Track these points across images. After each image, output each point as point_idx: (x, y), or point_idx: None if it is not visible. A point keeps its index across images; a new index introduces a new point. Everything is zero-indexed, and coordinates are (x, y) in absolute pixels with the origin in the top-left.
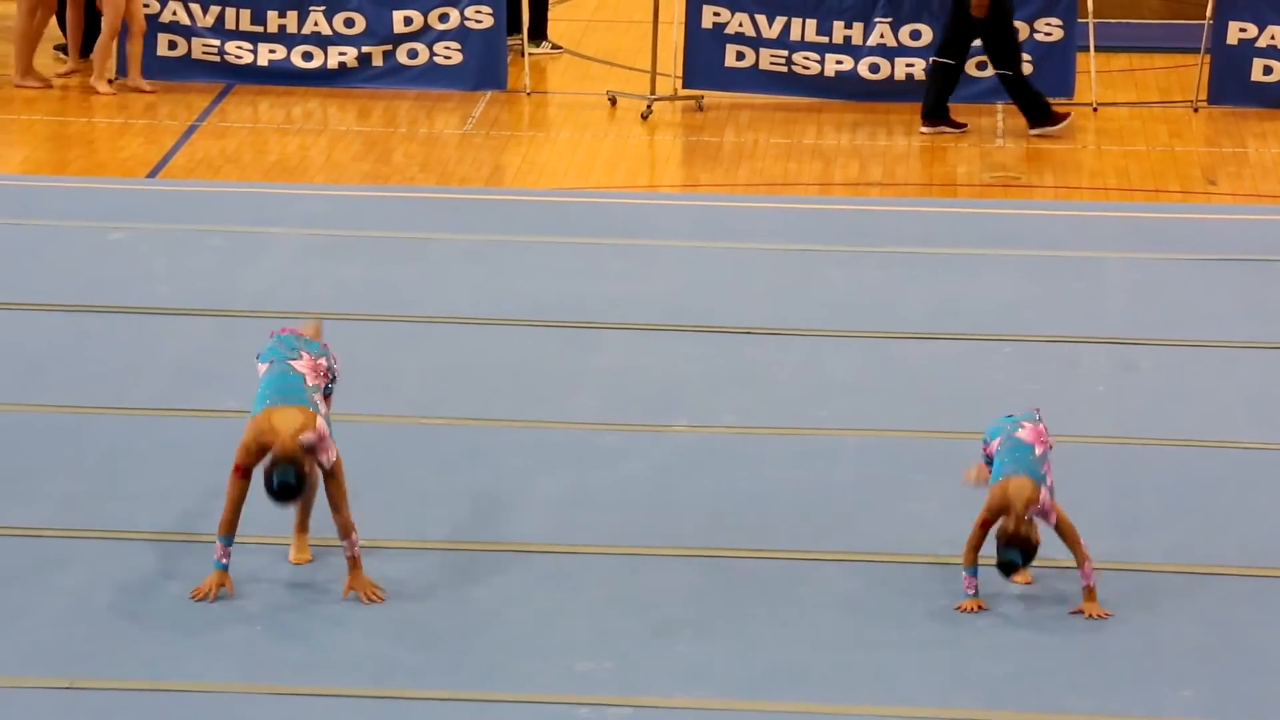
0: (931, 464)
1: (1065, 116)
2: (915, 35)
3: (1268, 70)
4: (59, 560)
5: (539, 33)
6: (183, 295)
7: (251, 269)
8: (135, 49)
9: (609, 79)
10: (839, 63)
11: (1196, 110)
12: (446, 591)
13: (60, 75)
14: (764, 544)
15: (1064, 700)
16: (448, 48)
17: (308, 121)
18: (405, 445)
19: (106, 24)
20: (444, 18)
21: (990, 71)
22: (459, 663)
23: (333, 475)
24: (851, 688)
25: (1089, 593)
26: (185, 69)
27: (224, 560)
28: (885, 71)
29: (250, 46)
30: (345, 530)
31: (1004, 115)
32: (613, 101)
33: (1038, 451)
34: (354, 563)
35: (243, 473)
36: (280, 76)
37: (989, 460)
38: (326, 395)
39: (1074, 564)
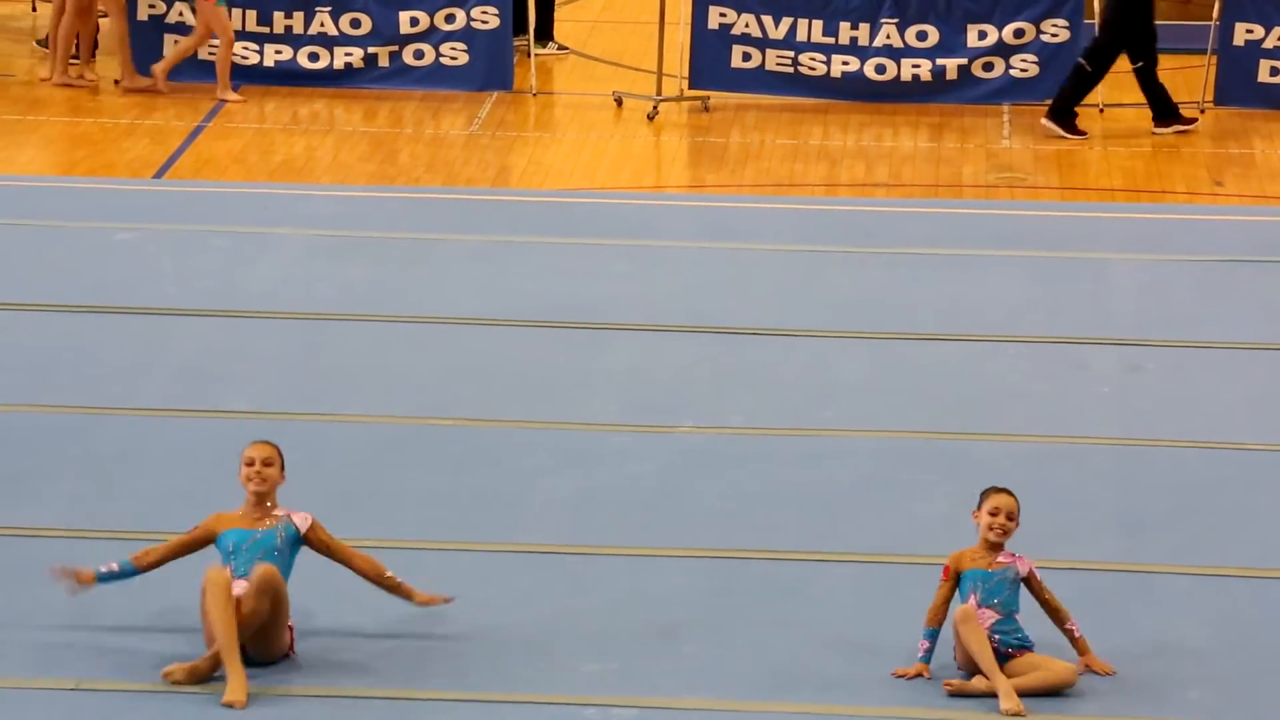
0: (939, 465)
1: (1193, 120)
2: (921, 36)
3: (1274, 71)
4: (65, 561)
5: (545, 33)
6: (189, 295)
7: (257, 269)
8: (226, 58)
9: (615, 80)
10: (845, 64)
11: (1203, 111)
12: (454, 592)
13: (76, 79)
14: (771, 545)
15: (1070, 703)
16: (454, 48)
17: (314, 122)
18: (412, 446)
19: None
20: (450, 18)
21: (995, 73)
22: (466, 663)
23: (319, 538)
24: (859, 690)
25: (1084, 644)
26: (192, 70)
27: (105, 570)
28: (891, 72)
29: (256, 47)
30: (376, 570)
31: (1010, 116)
32: (619, 102)
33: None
34: (407, 589)
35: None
36: (286, 77)
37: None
38: None
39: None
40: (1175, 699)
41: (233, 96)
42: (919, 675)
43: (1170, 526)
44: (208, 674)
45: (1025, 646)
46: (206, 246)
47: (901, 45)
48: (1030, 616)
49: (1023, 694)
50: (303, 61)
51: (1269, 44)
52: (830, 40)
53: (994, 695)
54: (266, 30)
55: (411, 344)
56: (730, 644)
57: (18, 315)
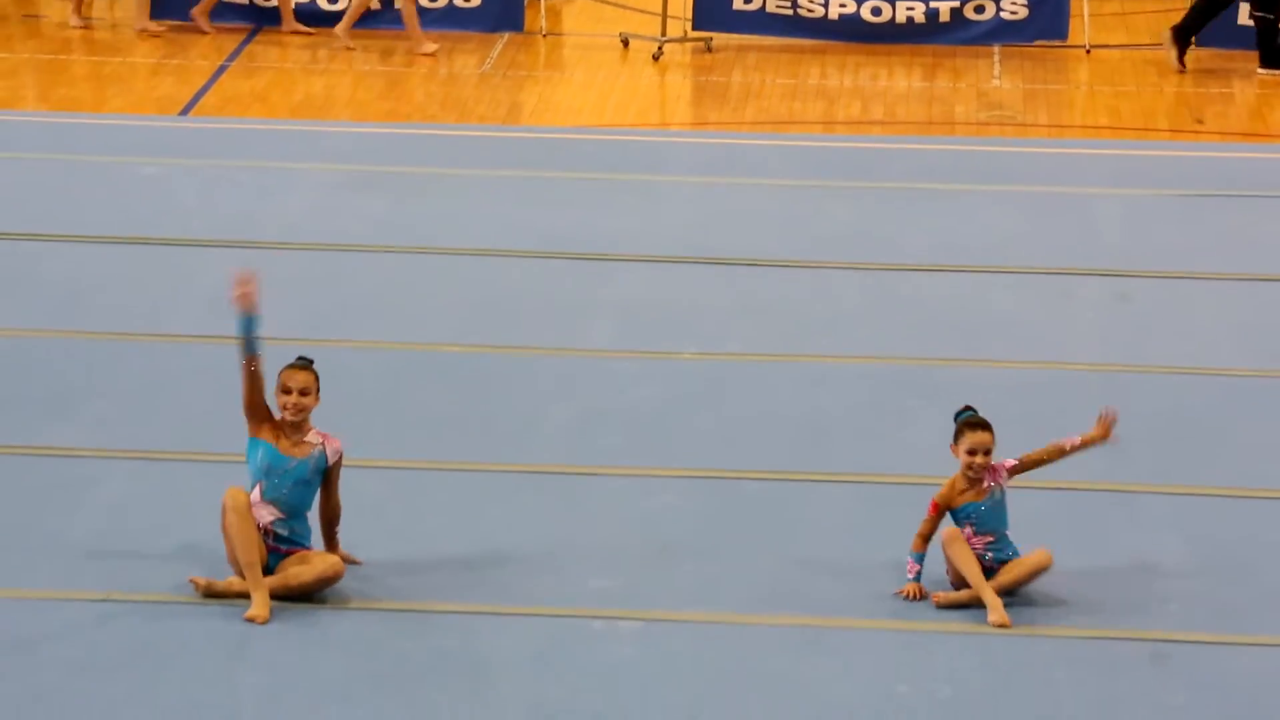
0: (930, 390)
1: None
2: None
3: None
4: (95, 479)
5: None
6: (214, 227)
7: (279, 203)
8: (412, 13)
9: (621, 21)
10: (842, 6)
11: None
12: (463, 511)
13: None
14: (768, 467)
15: (1053, 614)
16: None
17: (333, 62)
18: (423, 371)
19: None
20: None
21: (986, 15)
22: (476, 578)
23: (334, 467)
24: (851, 604)
25: (1086, 437)
26: (216, 11)
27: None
28: (887, 15)
29: None
30: (334, 516)
31: (1000, 57)
32: (625, 43)
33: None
34: (336, 544)
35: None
36: (307, 19)
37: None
38: None
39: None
40: (1155, 613)
41: (429, 48)
42: (917, 594)
43: (1152, 448)
44: (230, 595)
45: (1014, 558)
46: (230, 181)
47: None
48: (1018, 528)
49: (1006, 590)
50: (323, 3)
51: None
52: None
53: (982, 605)
54: None
55: (425, 274)
56: (728, 561)
57: (51, 246)
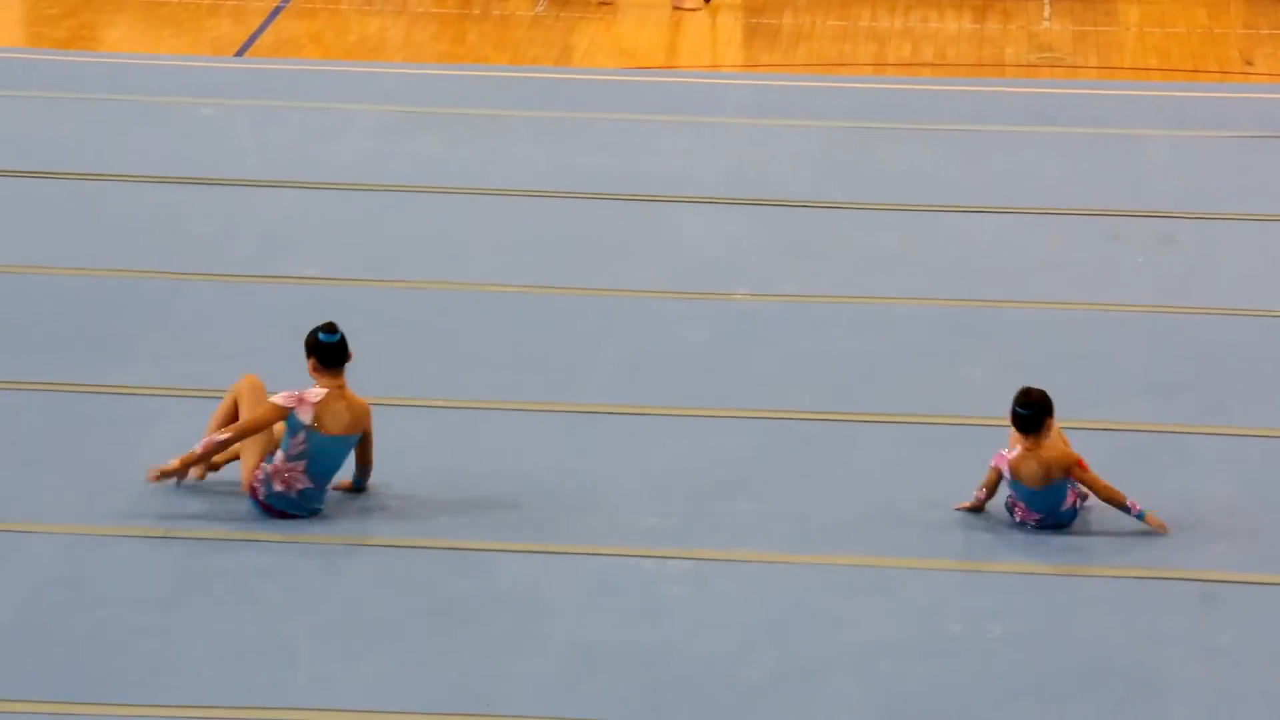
0: (979, 331)
1: None
2: None
3: None
4: (150, 417)
5: None
6: (269, 168)
7: (333, 143)
8: None
9: None
10: None
11: None
12: (514, 451)
13: None
14: (819, 407)
15: (1102, 555)
16: None
17: (387, 4)
18: (474, 311)
19: None
20: None
21: None
22: (528, 517)
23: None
24: (902, 543)
25: (1147, 516)
26: None
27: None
28: None
29: None
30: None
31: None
32: None
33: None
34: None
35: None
36: None
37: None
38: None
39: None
40: (1203, 553)
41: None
42: (976, 507)
43: (1200, 389)
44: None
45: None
46: (285, 121)
47: None
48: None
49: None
50: None
51: None
52: None
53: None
54: None
55: (477, 215)
56: (780, 501)
57: (108, 186)
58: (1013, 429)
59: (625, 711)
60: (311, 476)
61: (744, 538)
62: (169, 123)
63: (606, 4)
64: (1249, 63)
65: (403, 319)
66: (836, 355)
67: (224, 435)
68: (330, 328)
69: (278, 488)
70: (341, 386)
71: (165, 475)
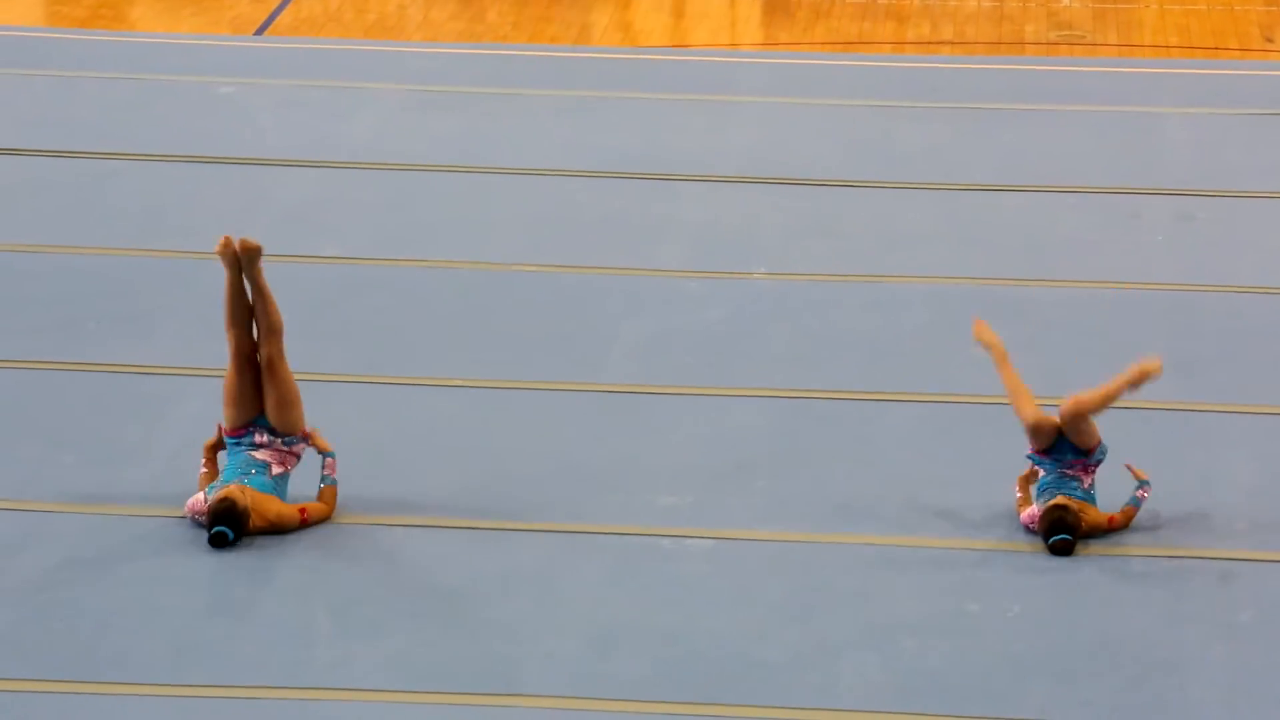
0: (999, 310)
1: None
2: None
3: None
4: (173, 396)
5: None
6: (288, 147)
7: (353, 123)
8: None
9: None
10: None
11: None
12: (534, 430)
13: None
14: (839, 386)
15: (1121, 534)
16: None
17: None
18: (494, 291)
19: None
20: None
21: None
22: (547, 497)
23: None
24: (921, 522)
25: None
26: None
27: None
28: None
29: None
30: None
31: None
32: None
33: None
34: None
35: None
36: None
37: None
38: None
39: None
40: (1222, 532)
41: None
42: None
43: (1220, 368)
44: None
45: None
46: (305, 100)
47: None
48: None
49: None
50: None
51: None
52: None
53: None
54: None
55: (496, 194)
56: (798, 479)
57: (130, 165)
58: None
59: (645, 690)
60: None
61: (763, 516)
62: (189, 102)
63: None
64: (1269, 40)
65: (421, 298)
66: (856, 334)
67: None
68: (223, 535)
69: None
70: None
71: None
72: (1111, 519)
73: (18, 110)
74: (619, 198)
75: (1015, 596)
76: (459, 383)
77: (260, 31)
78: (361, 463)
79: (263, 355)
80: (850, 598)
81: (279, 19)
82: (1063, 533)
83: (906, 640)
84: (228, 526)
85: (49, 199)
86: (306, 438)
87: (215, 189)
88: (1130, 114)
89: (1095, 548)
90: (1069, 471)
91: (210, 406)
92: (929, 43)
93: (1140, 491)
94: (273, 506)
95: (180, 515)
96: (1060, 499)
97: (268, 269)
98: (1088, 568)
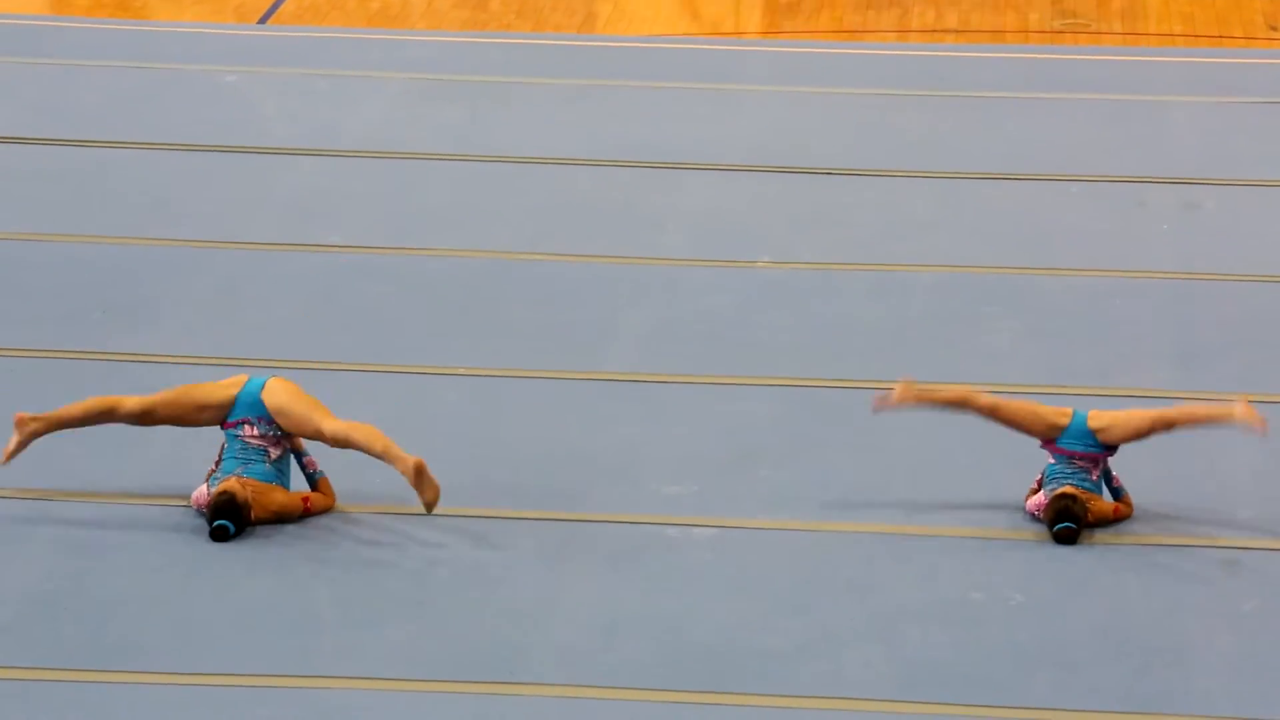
0: (1003, 298)
1: None
2: None
3: None
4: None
5: None
6: (293, 135)
7: (357, 111)
8: None
9: None
10: None
11: None
12: (539, 419)
13: None
14: (842, 374)
15: (1125, 523)
16: None
17: None
18: (499, 279)
19: None
20: None
21: None
22: (550, 485)
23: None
24: (926, 511)
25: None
26: None
27: None
28: None
29: None
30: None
31: None
32: None
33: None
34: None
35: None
36: None
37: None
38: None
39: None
40: (1227, 520)
41: None
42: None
43: (1225, 357)
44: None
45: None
46: (308, 89)
47: None
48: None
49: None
50: None
51: None
52: None
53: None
54: None
55: (501, 182)
56: (802, 468)
57: (134, 153)
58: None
59: (648, 679)
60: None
61: (767, 505)
62: (193, 90)
63: None
64: (1274, 28)
65: (425, 287)
66: (860, 323)
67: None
68: (224, 529)
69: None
70: None
71: None
72: (1117, 509)
73: (22, 98)
74: (622, 186)
75: (1019, 585)
76: (462, 371)
77: (264, 20)
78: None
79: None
80: (854, 587)
81: (283, 7)
82: (1068, 521)
83: (910, 629)
84: (228, 520)
85: (53, 188)
86: (308, 511)
87: (219, 177)
88: (1135, 102)
89: (1099, 536)
90: (1079, 461)
91: None
92: (933, 31)
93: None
94: (276, 497)
95: (185, 504)
96: (1067, 488)
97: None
98: (1091, 556)
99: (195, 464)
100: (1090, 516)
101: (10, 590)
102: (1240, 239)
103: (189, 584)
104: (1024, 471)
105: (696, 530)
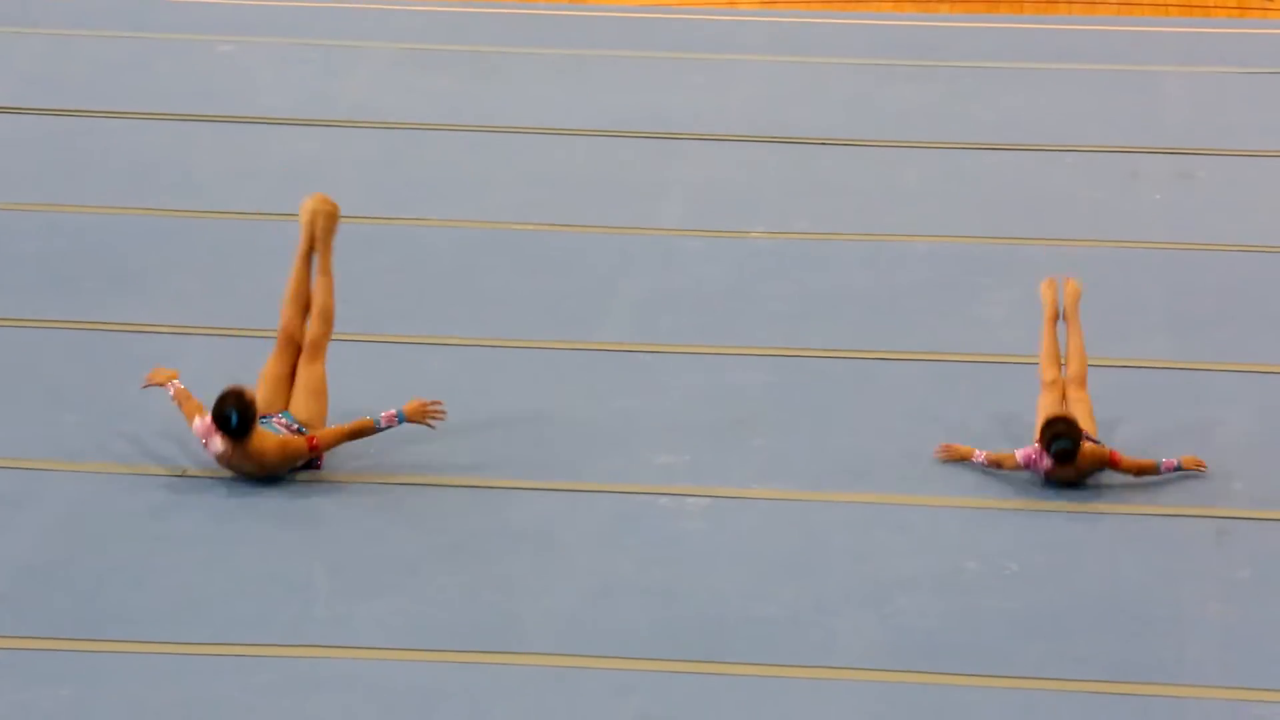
0: (997, 268)
1: None
2: None
3: None
4: (170, 355)
5: None
6: (286, 105)
7: (349, 81)
8: None
9: None
10: None
11: None
12: (533, 389)
13: None
14: (836, 344)
15: (1118, 492)
16: None
17: None
18: (493, 250)
19: None
20: None
21: None
22: (545, 455)
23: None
24: (919, 481)
25: (1185, 461)
26: None
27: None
28: None
29: None
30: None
31: None
32: None
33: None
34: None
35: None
36: None
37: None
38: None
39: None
40: (1221, 490)
41: None
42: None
43: (1218, 326)
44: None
45: None
46: (301, 58)
47: None
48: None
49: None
50: None
51: None
52: None
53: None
54: None
55: (494, 153)
56: (796, 437)
57: (127, 123)
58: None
59: (642, 648)
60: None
61: (761, 475)
62: (186, 60)
63: None
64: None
65: (419, 257)
66: (853, 292)
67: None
68: (227, 417)
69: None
70: (245, 445)
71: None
72: (1114, 454)
73: (15, 68)
74: (617, 156)
75: (1012, 555)
76: (456, 341)
77: None
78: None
79: (307, 339)
80: (847, 555)
81: None
82: (1066, 438)
83: (903, 598)
84: (234, 408)
85: (46, 157)
86: (315, 449)
87: (211, 147)
88: (1129, 72)
89: (1093, 504)
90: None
91: (207, 365)
92: (927, 0)
93: (1168, 461)
94: (279, 436)
95: (178, 475)
96: (1061, 413)
97: (262, 227)
98: (1085, 526)
99: (188, 435)
100: (1085, 447)
101: (3, 560)
102: (1233, 208)
103: (182, 554)
104: (1018, 442)
105: (690, 499)
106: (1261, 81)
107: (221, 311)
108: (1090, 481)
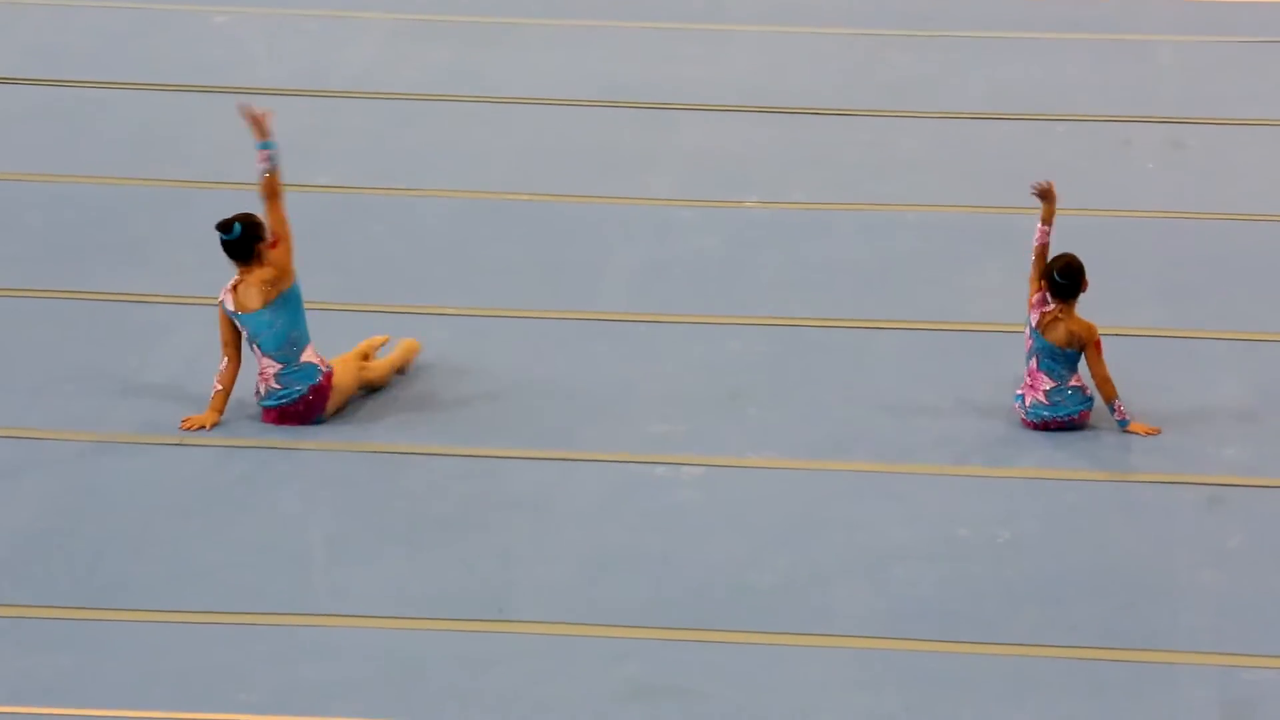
0: (989, 238)
1: None
2: None
3: None
4: (168, 325)
5: None
6: (282, 76)
7: (345, 51)
8: None
9: None
10: None
11: None
12: (528, 358)
13: None
14: (830, 313)
15: (1111, 460)
16: None
17: None
18: (488, 219)
19: None
20: None
21: None
22: (540, 424)
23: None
24: (912, 449)
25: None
26: None
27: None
28: None
29: None
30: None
31: None
32: None
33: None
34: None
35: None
36: None
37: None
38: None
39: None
40: (1213, 457)
41: None
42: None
43: (1210, 294)
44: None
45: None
46: (297, 30)
47: None
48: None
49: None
50: None
51: None
52: None
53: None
54: None
55: (490, 123)
56: (790, 407)
57: (124, 94)
58: (1046, 292)
59: (637, 616)
60: (272, 356)
61: (755, 443)
62: (182, 31)
63: None
64: None
65: (413, 227)
66: (848, 262)
67: (218, 378)
68: (224, 225)
69: (262, 390)
70: (249, 271)
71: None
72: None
73: (12, 39)
74: (612, 127)
75: (1005, 522)
76: (452, 311)
77: None
78: (355, 392)
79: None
80: (841, 524)
81: None
82: (1073, 265)
83: (897, 566)
84: (239, 220)
85: (43, 128)
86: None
87: (209, 118)
88: (1121, 42)
89: (1085, 472)
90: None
91: (206, 336)
92: None
93: (1121, 410)
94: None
95: (176, 443)
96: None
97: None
98: (1078, 494)
99: (186, 405)
100: (1076, 321)
101: (3, 529)
102: (1225, 177)
103: (181, 523)
104: (1005, 415)
105: (685, 469)
106: (1254, 50)
107: (219, 282)
108: (1082, 439)
